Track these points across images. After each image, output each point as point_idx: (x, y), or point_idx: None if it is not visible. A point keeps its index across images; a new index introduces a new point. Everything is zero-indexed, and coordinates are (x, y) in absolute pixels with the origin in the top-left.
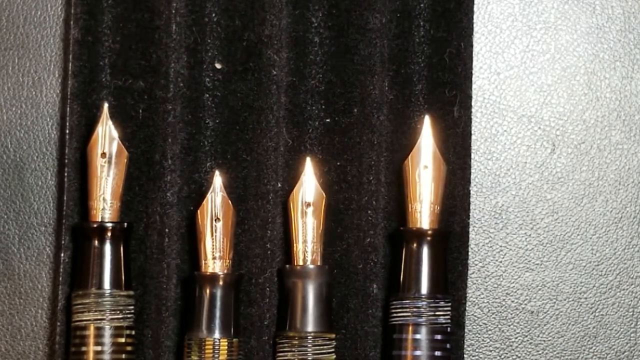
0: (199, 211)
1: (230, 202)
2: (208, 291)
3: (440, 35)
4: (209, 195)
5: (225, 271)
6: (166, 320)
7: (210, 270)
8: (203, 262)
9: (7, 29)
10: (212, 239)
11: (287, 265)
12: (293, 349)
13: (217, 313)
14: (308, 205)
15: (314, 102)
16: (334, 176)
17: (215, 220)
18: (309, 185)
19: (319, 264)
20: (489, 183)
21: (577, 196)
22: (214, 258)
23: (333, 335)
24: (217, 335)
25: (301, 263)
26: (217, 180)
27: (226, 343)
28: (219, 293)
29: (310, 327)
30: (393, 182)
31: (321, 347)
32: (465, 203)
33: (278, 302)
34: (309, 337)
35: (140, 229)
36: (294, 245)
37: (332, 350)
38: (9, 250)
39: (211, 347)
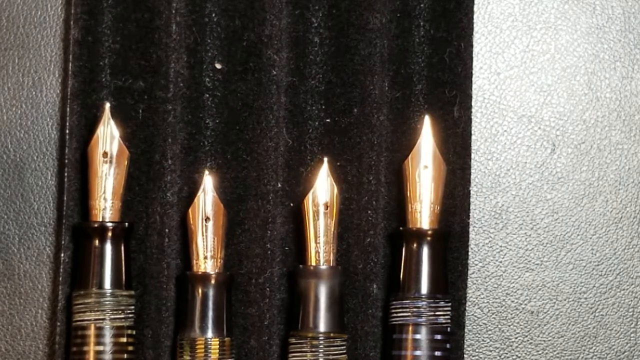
0: (189, 211)
1: (220, 202)
2: (199, 291)
3: (440, 35)
4: (199, 195)
5: (216, 271)
6: (166, 320)
7: (201, 270)
8: (194, 262)
9: (7, 29)
10: (203, 238)
11: (301, 265)
12: (308, 349)
13: (209, 313)
14: (326, 206)
15: (314, 102)
16: (334, 176)
17: (206, 220)
18: (326, 186)
19: (332, 264)
20: (489, 183)
21: (577, 196)
22: (205, 258)
23: (345, 336)
24: (209, 334)
25: (315, 263)
26: (207, 180)
27: (218, 342)
28: (210, 293)
29: (327, 327)
30: (393, 182)
31: (336, 347)
32: (465, 203)
33: (289, 302)
34: (325, 338)
35: (140, 229)
36: (309, 245)
37: (345, 351)
38: (9, 250)
39: (203, 346)
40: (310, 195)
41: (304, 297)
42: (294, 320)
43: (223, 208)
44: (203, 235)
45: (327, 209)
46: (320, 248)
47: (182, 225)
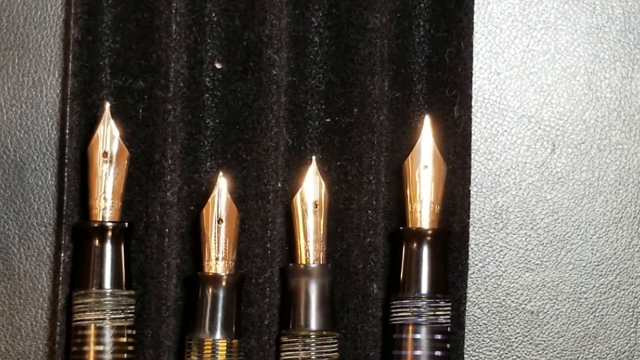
0: (203, 211)
1: (233, 204)
2: (209, 292)
3: (440, 35)
4: (213, 196)
5: (227, 272)
6: (166, 320)
7: (212, 271)
8: (206, 262)
9: (7, 29)
10: (215, 240)
11: (291, 264)
12: (299, 348)
13: (218, 314)
14: (315, 204)
15: (314, 102)
16: (334, 176)
17: (218, 221)
18: (314, 185)
19: (322, 262)
20: (489, 183)
21: (577, 196)
22: (217, 259)
23: (337, 334)
24: (217, 336)
25: (305, 262)
26: (222, 181)
27: (225, 344)
28: (220, 294)
29: (318, 325)
30: (393, 182)
31: (328, 345)
32: (465, 203)
33: (281, 301)
34: (317, 336)
35: (140, 229)
36: (298, 244)
37: (336, 349)
38: (9, 250)
39: (210, 347)
40: (298, 194)
41: (294, 295)
42: (286, 319)
43: (236, 210)
44: (215, 237)
45: (316, 207)
46: (309, 246)
47: (182, 225)
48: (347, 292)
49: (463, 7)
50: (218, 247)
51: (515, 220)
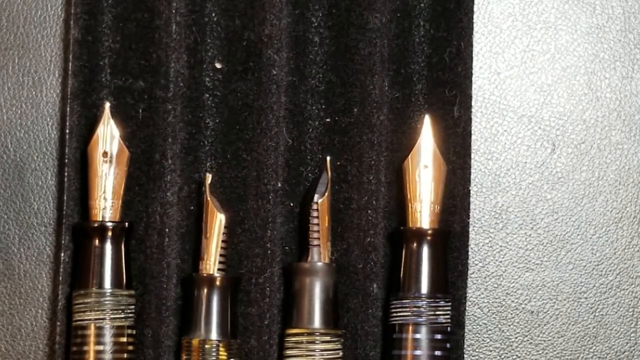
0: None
1: (215, 208)
2: (202, 293)
3: (440, 35)
4: (206, 197)
5: (215, 273)
6: (166, 320)
7: (205, 271)
8: (199, 262)
9: (7, 29)
10: (203, 241)
11: (296, 263)
12: (304, 346)
13: (212, 315)
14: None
15: (314, 102)
16: (334, 176)
17: (204, 223)
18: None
19: (327, 261)
20: (489, 183)
21: (577, 196)
22: (201, 260)
23: (340, 332)
24: (211, 336)
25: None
26: (207, 183)
27: (217, 344)
28: (212, 295)
29: (323, 324)
30: (393, 182)
31: (332, 344)
32: (465, 203)
33: (284, 300)
34: (321, 334)
35: (140, 229)
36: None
37: (341, 347)
38: (9, 250)
39: (196, 347)
40: (325, 199)
41: (299, 294)
42: (289, 317)
43: (218, 214)
44: (202, 238)
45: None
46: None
47: (182, 225)
48: (347, 292)
49: (463, 7)
50: (203, 248)
51: (515, 220)
